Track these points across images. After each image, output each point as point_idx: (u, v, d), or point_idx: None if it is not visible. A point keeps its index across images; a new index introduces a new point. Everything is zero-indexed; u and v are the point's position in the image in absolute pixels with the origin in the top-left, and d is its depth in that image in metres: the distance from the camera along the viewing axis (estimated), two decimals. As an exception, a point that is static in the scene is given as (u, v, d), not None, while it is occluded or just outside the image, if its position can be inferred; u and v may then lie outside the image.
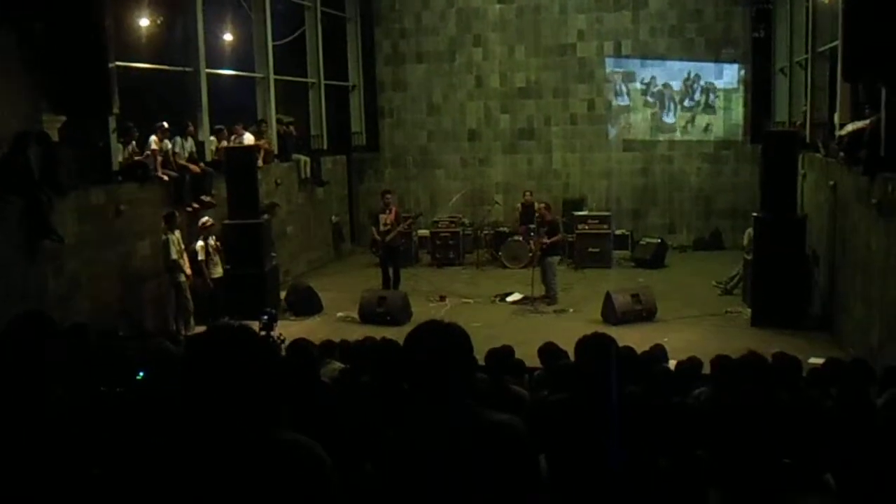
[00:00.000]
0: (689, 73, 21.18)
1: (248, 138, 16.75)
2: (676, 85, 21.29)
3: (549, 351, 8.65)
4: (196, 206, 14.80)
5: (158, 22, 17.58)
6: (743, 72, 20.78)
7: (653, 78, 21.35)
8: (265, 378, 2.51)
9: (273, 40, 18.70)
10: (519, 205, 19.13)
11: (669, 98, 21.37)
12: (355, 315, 14.61)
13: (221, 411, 2.45)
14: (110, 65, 12.24)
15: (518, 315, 14.95)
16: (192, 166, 15.02)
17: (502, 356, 7.14)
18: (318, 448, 2.54)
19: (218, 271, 14.26)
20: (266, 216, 15.61)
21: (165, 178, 14.22)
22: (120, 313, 12.71)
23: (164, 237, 13.44)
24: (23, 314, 3.61)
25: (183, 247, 13.70)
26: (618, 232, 19.71)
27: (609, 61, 21.52)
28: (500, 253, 19.12)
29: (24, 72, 14.12)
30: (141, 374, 5.45)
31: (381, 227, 15.88)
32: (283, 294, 15.60)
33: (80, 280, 12.19)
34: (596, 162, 21.72)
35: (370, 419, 4.98)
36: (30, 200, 11.17)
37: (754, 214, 14.25)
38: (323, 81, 21.00)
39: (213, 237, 14.32)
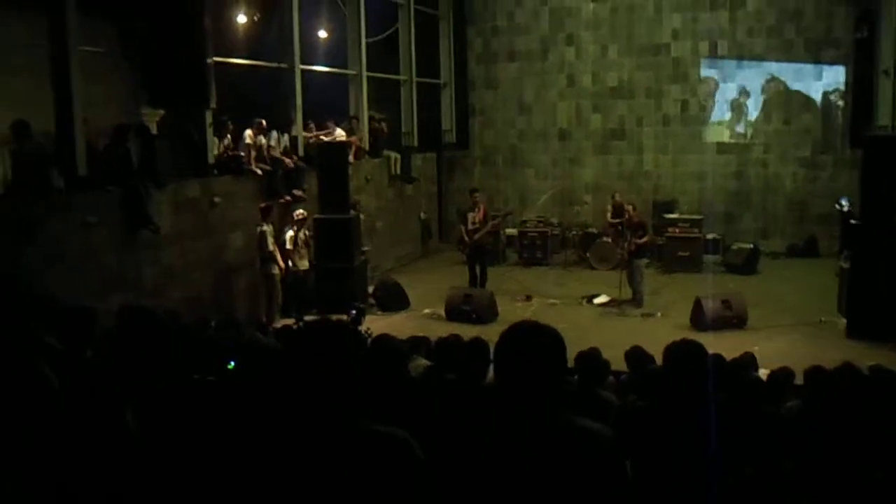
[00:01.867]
0: (787, 75, 20.65)
1: (340, 134, 16.94)
2: (774, 87, 20.77)
3: (636, 355, 8.54)
4: (288, 199, 15.02)
5: (255, 19, 17.89)
6: (844, 74, 20.16)
7: (749, 79, 20.88)
8: (355, 372, 2.65)
9: (366, 37, 18.90)
10: (608, 206, 18.93)
11: (766, 100, 20.89)
12: (441, 312, 14.65)
13: (316, 402, 2.60)
14: (208, 60, 12.52)
15: (605, 317, 14.82)
16: (286, 160, 15.26)
17: (590, 359, 7.06)
18: (410, 440, 2.66)
19: (304, 264, 14.47)
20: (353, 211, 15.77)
21: (259, 171, 14.48)
22: (211, 303, 13.00)
23: (261, 228, 13.68)
24: (134, 310, 3.71)
25: (273, 239, 13.93)
26: (709, 236, 19.32)
27: (704, 61, 21.13)
28: (588, 254, 18.95)
29: (125, 67, 14.53)
30: (232, 363, 5.53)
31: (470, 226, 15.91)
32: (370, 289, 15.73)
33: (175, 269, 12.51)
34: (688, 164, 21.35)
35: (456, 418, 4.97)
36: (129, 191, 11.51)
37: (852, 221, 13.82)
38: (415, 79, 21.13)
39: (305, 230, 14.54)
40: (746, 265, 18.36)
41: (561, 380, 2.82)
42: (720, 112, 21.21)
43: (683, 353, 3.92)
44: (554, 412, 2.74)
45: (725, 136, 21.13)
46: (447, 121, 22.83)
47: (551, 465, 2.67)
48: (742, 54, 20.82)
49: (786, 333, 13.31)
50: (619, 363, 8.66)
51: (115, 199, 11.38)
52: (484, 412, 3.79)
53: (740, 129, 21.15)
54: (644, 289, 15.35)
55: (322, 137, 16.80)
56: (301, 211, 14.58)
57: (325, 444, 2.56)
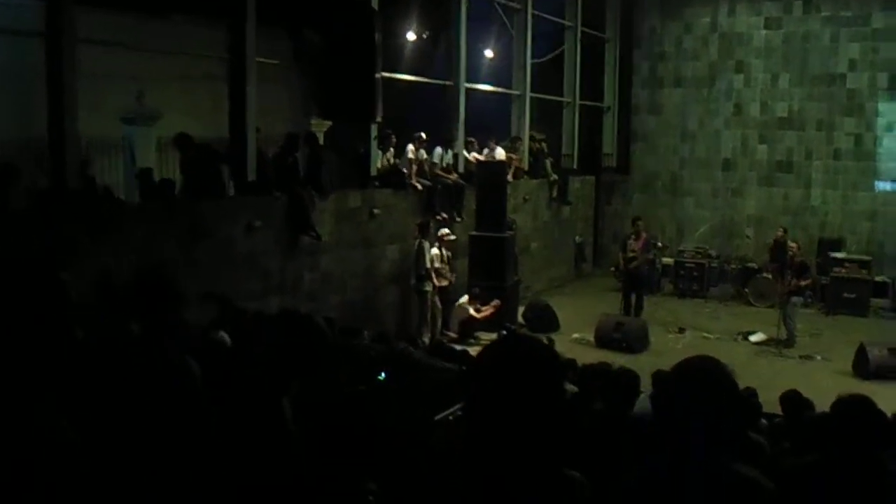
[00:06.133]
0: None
1: (500, 153, 16.99)
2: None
3: (792, 400, 8.20)
4: (445, 216, 15.14)
5: (424, 36, 18.23)
6: None
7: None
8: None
9: (532, 58, 18.94)
10: (771, 241, 18.30)
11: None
12: (591, 338, 14.47)
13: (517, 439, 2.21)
14: (376, 75, 12.80)
15: (760, 356, 14.28)
16: (447, 176, 15.42)
17: (744, 400, 6.79)
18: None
19: (443, 282, 14.45)
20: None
21: (419, 186, 14.68)
22: (364, 311, 13.26)
23: (419, 244, 13.86)
24: (295, 315, 3.78)
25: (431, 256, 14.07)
26: (878, 278, 18.38)
27: (882, 94, 20.14)
28: (746, 289, 18.36)
29: (297, 78, 15.04)
30: (382, 375, 5.63)
31: (628, 254, 15.70)
32: (521, 309, 15.70)
33: (332, 276, 12.84)
34: (859, 201, 20.38)
35: (602, 451, 4.88)
36: (294, 198, 11.89)
37: None
38: (578, 101, 21.03)
39: (447, 249, 14.58)
40: (918, 312, 17.37)
41: (729, 423, 2.66)
42: (897, 149, 20.14)
43: (854, 410, 3.65)
44: (714, 456, 2.62)
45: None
46: (608, 145, 22.60)
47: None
48: (924, 88, 19.75)
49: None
50: (772, 406, 8.36)
51: (280, 206, 11.79)
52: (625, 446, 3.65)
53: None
54: (796, 329, 14.84)
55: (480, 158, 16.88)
56: (448, 231, 14.64)
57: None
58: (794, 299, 14.82)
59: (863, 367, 13.01)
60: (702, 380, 2.65)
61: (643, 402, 6.85)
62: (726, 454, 2.64)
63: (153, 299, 4.15)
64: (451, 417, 4.44)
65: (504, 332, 9.44)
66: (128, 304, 5.75)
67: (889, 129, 20.11)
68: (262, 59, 12.30)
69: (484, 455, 2.20)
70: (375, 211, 13.73)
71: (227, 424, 3.51)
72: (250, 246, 11.24)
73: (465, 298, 14.47)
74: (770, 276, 17.63)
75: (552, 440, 2.21)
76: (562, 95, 20.87)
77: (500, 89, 18.89)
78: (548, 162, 19.40)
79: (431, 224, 14.34)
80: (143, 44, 12.17)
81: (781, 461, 4.47)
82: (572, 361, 8.80)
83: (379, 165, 14.36)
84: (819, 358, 14.15)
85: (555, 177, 19.47)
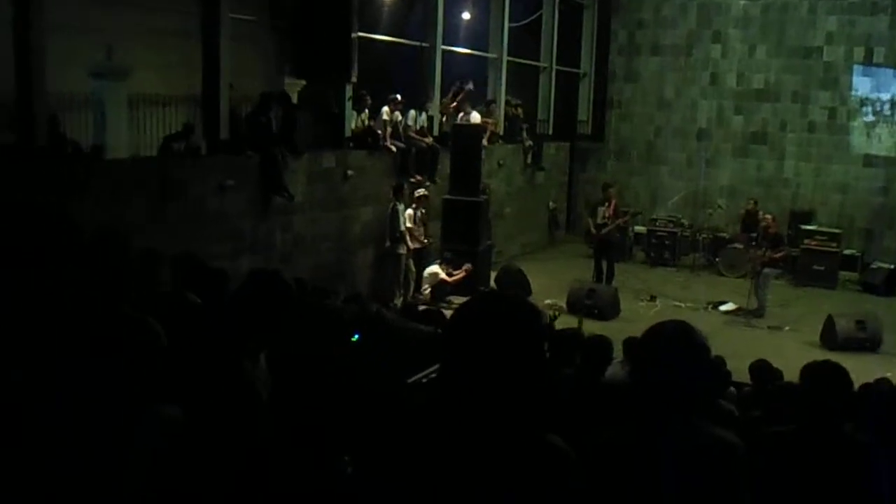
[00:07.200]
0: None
1: (475, 117, 16.88)
2: (933, 99, 19.66)
3: (761, 368, 8.29)
4: (419, 178, 15.05)
5: (402, -3, 18.01)
6: None
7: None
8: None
9: (510, 22, 18.80)
10: (743, 211, 18.39)
11: (922, 113, 19.81)
12: (563, 304, 14.49)
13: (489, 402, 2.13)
14: (352, 35, 12.65)
15: (730, 326, 14.36)
16: (423, 139, 15.32)
17: (714, 368, 6.84)
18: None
19: (417, 244, 14.49)
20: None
21: (393, 148, 14.57)
22: (336, 274, 13.19)
23: (394, 206, 13.81)
24: (267, 276, 3.71)
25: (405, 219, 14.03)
26: (847, 251, 18.54)
27: (858, 68, 20.19)
28: (717, 259, 18.46)
29: (272, 36, 14.83)
30: (356, 336, 5.58)
31: (599, 220, 15.69)
32: (493, 275, 15.69)
33: (305, 238, 12.76)
34: (831, 174, 20.46)
35: (573, 417, 4.87)
36: (267, 157, 11.77)
37: None
38: (554, 67, 20.93)
39: (423, 210, 14.58)
40: (885, 286, 17.49)
41: (704, 389, 2.67)
42: (871, 123, 20.21)
43: (828, 378, 3.64)
44: (688, 419, 2.63)
45: (874, 149, 20.15)
46: (583, 111, 22.52)
47: (678, 470, 2.56)
48: (901, 63, 19.79)
49: (925, 363, 12.58)
50: (740, 374, 8.43)
51: (253, 165, 11.67)
52: (605, 413, 3.63)
53: (891, 142, 20.08)
54: (767, 300, 14.93)
55: (455, 108, 16.77)
56: (423, 191, 14.61)
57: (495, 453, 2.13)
58: (767, 270, 14.87)
59: (830, 338, 13.13)
60: (678, 342, 2.66)
61: (615, 369, 6.88)
62: (701, 416, 2.65)
63: (114, 259, 4.06)
64: (424, 380, 4.41)
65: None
66: (92, 263, 5.66)
67: (862, 103, 20.18)
68: (236, 16, 12.11)
69: (461, 419, 2.15)
70: (349, 172, 13.62)
71: (192, 386, 3.46)
72: (222, 205, 11.13)
73: (434, 267, 14.45)
74: (741, 247, 17.74)
75: (533, 403, 2.15)
76: (538, 60, 20.76)
77: (476, 52, 18.75)
78: (523, 127, 19.34)
79: (406, 187, 14.27)
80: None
81: (758, 429, 4.48)
82: (551, 323, 8.80)
83: (353, 126, 14.23)
84: (787, 329, 14.25)
85: (530, 142, 19.41)
